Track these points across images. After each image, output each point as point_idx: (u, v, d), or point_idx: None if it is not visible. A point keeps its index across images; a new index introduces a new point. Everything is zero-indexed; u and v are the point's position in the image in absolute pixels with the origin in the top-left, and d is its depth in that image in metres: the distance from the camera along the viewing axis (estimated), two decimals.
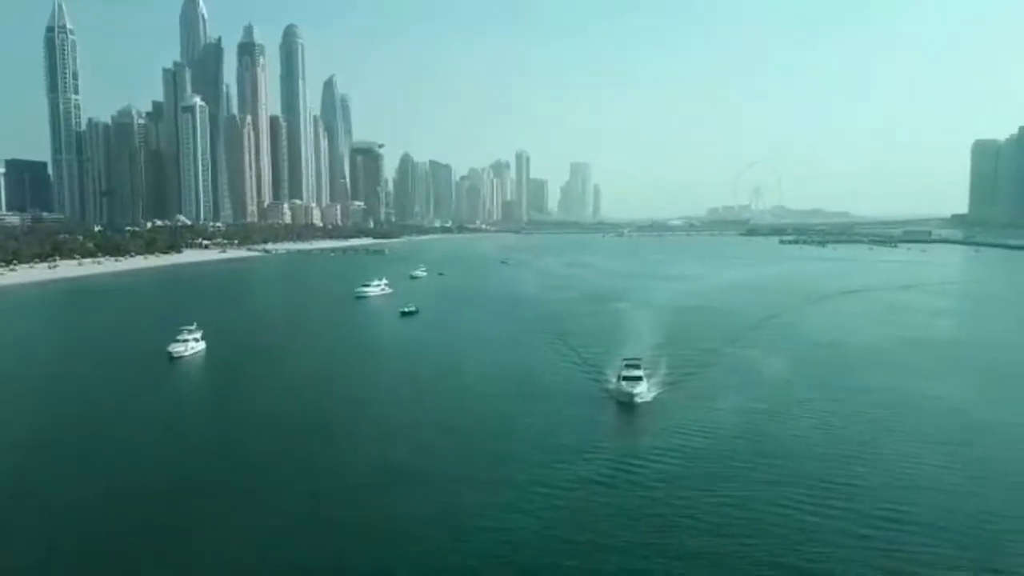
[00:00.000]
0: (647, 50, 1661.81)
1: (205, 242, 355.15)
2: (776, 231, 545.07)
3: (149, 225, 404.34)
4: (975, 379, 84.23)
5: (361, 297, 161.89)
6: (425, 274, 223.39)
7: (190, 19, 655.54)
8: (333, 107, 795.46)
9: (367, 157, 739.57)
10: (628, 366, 75.07)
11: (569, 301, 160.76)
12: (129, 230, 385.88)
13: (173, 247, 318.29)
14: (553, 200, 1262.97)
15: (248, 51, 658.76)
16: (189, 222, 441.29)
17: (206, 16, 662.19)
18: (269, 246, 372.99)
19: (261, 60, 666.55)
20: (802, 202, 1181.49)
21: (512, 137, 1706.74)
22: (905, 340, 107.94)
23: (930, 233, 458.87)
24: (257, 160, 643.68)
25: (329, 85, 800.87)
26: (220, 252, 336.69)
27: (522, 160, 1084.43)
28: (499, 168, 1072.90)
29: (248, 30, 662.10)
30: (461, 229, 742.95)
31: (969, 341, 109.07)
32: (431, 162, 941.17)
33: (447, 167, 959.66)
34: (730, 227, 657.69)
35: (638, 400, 69.05)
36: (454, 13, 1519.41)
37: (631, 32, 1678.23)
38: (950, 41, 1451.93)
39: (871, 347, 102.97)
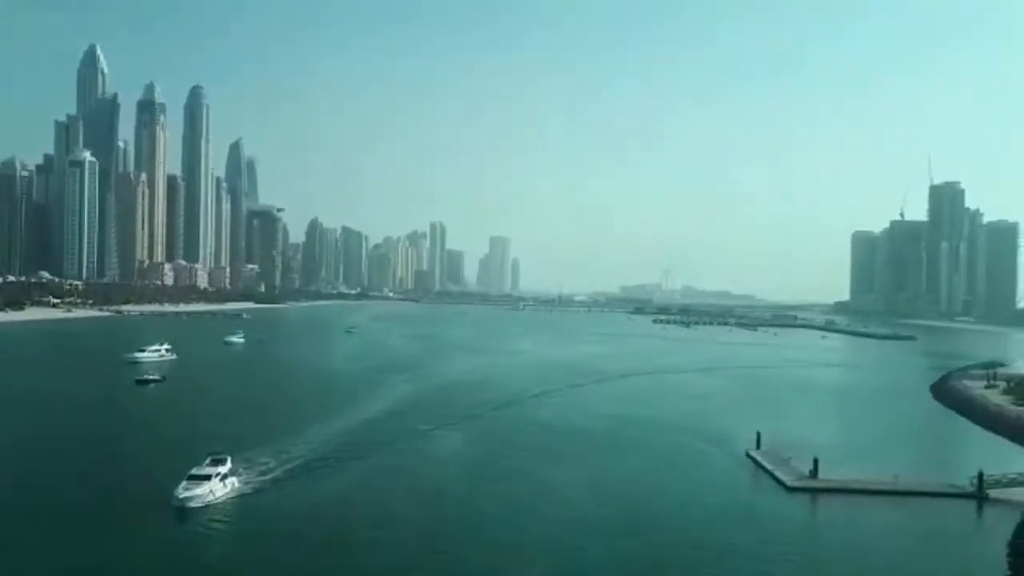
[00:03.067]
0: (565, 129, 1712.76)
1: (54, 300, 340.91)
2: (662, 311, 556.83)
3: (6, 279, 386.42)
4: (635, 461, 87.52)
5: (133, 362, 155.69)
6: (242, 340, 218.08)
7: (88, 74, 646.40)
8: (239, 169, 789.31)
9: (264, 220, 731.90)
10: (209, 463, 66.08)
11: (351, 372, 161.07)
12: None
13: (11, 304, 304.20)
14: (471, 271, 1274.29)
15: (148, 108, 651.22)
16: (53, 278, 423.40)
17: (106, 71, 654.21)
18: (127, 307, 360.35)
19: (162, 118, 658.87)
20: (713, 283, 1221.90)
21: (433, 208, 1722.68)
22: (625, 421, 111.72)
23: (795, 318, 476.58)
24: (151, 219, 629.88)
25: (235, 147, 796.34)
26: (65, 312, 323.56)
27: (436, 230, 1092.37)
28: (415, 238, 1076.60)
29: (149, 88, 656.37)
30: (361, 296, 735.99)
31: (673, 424, 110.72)
32: (343, 228, 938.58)
33: (359, 234, 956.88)
34: (634, 304, 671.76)
35: (191, 505, 60.67)
36: (377, 85, 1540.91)
37: (550, 109, 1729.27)
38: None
39: (580, 429, 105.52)
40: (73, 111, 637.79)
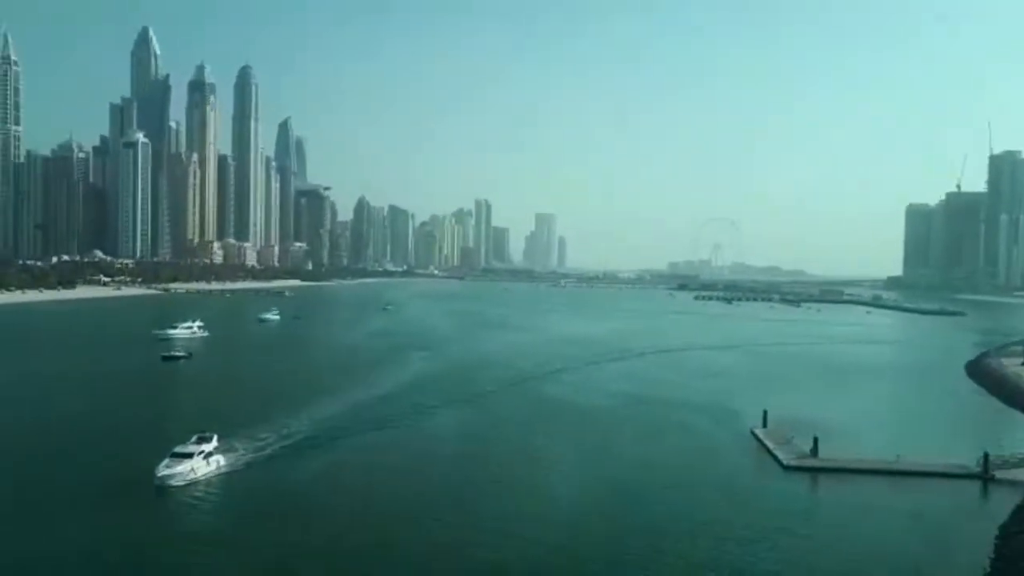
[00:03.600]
0: (619, 104, 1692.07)
1: (105, 279, 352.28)
2: (706, 287, 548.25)
3: (55, 259, 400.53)
4: (635, 438, 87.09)
5: (164, 339, 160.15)
6: (277, 317, 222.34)
7: (141, 56, 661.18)
8: (287, 149, 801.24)
9: (311, 199, 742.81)
10: (196, 441, 66.64)
11: (376, 348, 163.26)
12: (54, 263, 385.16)
13: (63, 283, 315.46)
14: (516, 249, 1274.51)
15: (199, 89, 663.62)
16: (106, 257, 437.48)
17: (158, 53, 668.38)
18: (174, 285, 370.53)
19: (212, 99, 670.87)
20: (763, 259, 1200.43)
21: (481, 187, 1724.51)
22: (635, 399, 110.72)
23: (842, 293, 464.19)
24: (202, 198, 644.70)
25: (284, 127, 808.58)
26: (115, 290, 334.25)
27: (482, 208, 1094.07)
28: (461, 216, 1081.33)
29: (200, 69, 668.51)
30: (407, 273, 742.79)
31: (683, 401, 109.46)
32: (390, 207, 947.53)
33: (405, 212, 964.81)
34: (678, 281, 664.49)
35: (171, 483, 61.10)
36: (426, 67, 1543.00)
37: (607, 86, 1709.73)
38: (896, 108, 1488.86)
39: (588, 406, 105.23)
40: (127, 93, 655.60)
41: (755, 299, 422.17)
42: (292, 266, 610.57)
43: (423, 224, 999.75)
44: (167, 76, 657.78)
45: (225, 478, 65.46)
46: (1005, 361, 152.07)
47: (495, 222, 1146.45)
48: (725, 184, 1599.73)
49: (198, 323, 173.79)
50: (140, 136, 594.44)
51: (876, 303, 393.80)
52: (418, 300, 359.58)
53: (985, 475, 72.91)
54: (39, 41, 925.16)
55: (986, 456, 73.62)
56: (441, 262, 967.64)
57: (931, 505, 66.80)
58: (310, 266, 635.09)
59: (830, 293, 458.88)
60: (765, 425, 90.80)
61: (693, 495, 67.20)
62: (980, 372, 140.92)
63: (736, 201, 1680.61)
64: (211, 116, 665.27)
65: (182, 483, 61.80)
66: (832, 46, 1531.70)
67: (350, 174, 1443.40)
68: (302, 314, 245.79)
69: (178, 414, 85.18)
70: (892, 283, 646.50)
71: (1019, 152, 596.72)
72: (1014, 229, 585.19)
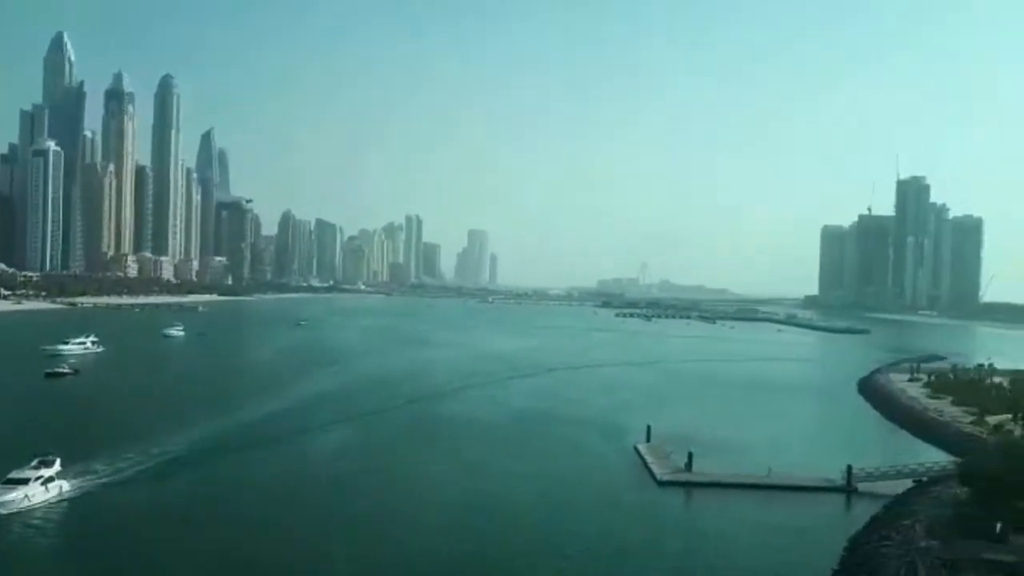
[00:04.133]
0: (546, 124, 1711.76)
1: (4, 292, 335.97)
2: (630, 304, 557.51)
3: None
4: (520, 453, 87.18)
5: (54, 355, 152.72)
6: (182, 333, 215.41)
7: (55, 61, 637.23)
8: (209, 160, 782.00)
9: (232, 212, 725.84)
10: (36, 465, 61.72)
11: (278, 365, 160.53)
12: None
13: None
14: (448, 265, 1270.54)
15: (116, 97, 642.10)
16: (7, 269, 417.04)
17: (73, 59, 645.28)
18: (82, 299, 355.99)
19: (130, 108, 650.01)
20: (689, 279, 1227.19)
21: (411, 202, 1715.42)
22: (533, 414, 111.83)
23: (757, 312, 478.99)
24: (118, 210, 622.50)
25: (207, 138, 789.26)
26: (15, 304, 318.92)
27: (412, 223, 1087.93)
28: (391, 230, 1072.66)
29: (117, 77, 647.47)
30: (332, 289, 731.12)
31: (577, 417, 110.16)
32: (317, 221, 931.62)
33: (333, 226, 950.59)
34: (610, 299, 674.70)
35: (2, 512, 56.81)
36: (356, 78, 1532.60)
37: (541, 102, 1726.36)
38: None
39: (482, 422, 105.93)
40: (39, 100, 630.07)
41: (674, 316, 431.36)
42: (211, 281, 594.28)
43: (351, 239, 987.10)
44: (82, 83, 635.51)
45: (67, 505, 61.24)
46: (893, 377, 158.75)
47: (427, 238, 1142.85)
48: (654, 204, 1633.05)
49: (92, 338, 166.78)
50: (51, 144, 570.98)
51: (789, 321, 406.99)
52: (337, 316, 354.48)
53: (848, 488, 75.39)
54: None
55: (849, 469, 76.10)
56: (370, 277, 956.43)
57: (794, 517, 68.41)
58: (230, 281, 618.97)
59: (745, 311, 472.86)
60: (649, 440, 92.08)
61: (563, 509, 67.53)
62: (869, 388, 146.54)
63: (664, 223, 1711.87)
64: (129, 125, 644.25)
65: (12, 511, 57.18)
66: (759, 71, 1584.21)
67: (277, 188, 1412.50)
68: (210, 330, 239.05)
69: (39, 435, 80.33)
70: (809, 302, 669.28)
71: (924, 178, 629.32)
72: (919, 251, 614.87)
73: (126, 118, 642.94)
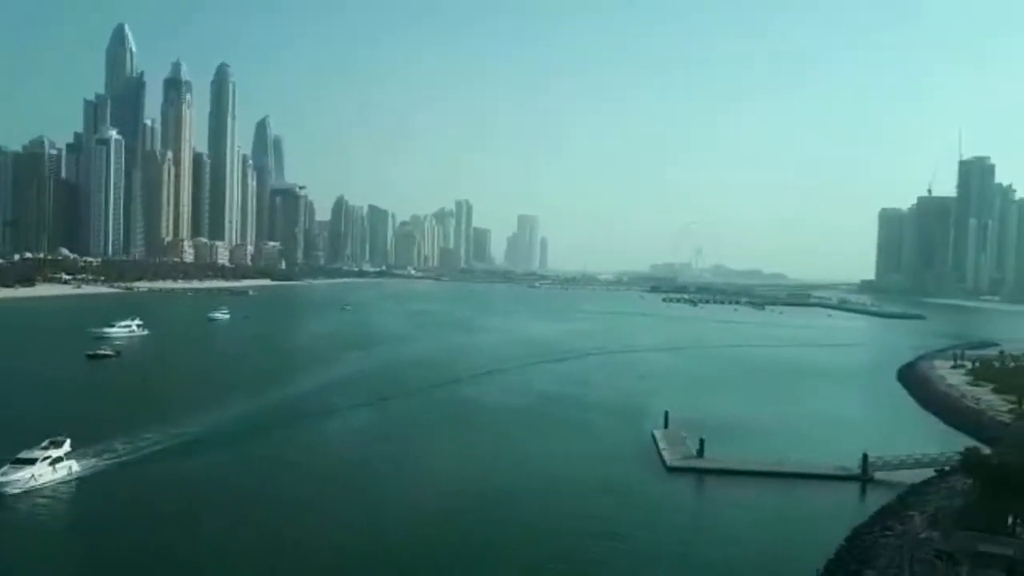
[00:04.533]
0: (595, 103, 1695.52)
1: (66, 277, 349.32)
2: (679, 289, 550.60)
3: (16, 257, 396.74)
4: (536, 438, 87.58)
5: (100, 337, 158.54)
6: (227, 316, 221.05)
7: (116, 53, 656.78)
8: (264, 147, 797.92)
9: (286, 198, 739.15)
10: (45, 445, 63.72)
11: (316, 348, 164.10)
12: (15, 260, 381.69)
13: (22, 281, 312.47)
14: (498, 250, 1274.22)
15: (174, 87, 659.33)
16: (70, 255, 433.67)
17: (134, 50, 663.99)
18: (138, 284, 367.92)
19: (188, 96, 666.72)
20: (744, 263, 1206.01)
21: (464, 188, 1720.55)
22: (556, 399, 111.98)
23: (808, 296, 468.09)
24: (176, 196, 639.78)
25: (262, 125, 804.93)
26: (75, 288, 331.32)
27: (462, 208, 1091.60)
28: (442, 216, 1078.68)
29: (176, 66, 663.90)
30: (383, 274, 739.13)
31: (601, 402, 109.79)
32: (369, 206, 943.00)
33: (384, 212, 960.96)
34: (652, 283, 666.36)
35: (7, 491, 58.56)
36: (407, 67, 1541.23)
37: (594, 88, 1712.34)
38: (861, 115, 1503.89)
39: (503, 406, 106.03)
40: (101, 90, 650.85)
41: (722, 302, 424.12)
42: (265, 265, 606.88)
43: (403, 224, 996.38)
44: (142, 73, 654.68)
45: (76, 485, 63.39)
46: (937, 363, 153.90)
47: (477, 223, 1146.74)
48: (708, 189, 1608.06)
49: (137, 321, 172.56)
50: (113, 133, 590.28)
51: (841, 306, 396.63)
52: (384, 301, 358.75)
53: (864, 476, 73.67)
54: (13, 39, 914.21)
55: (865, 457, 74.34)
56: (420, 262, 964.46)
57: (801, 505, 67.54)
58: (283, 266, 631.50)
59: (797, 296, 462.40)
60: (667, 426, 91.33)
61: (565, 492, 67.74)
62: (908, 376, 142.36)
63: (719, 205, 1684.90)
64: (187, 114, 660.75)
65: (19, 491, 59.29)
66: (810, 53, 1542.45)
67: (330, 174, 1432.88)
68: (257, 314, 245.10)
69: (67, 415, 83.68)
70: (865, 287, 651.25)
71: (988, 158, 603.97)
72: (982, 234, 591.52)
73: (184, 106, 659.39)
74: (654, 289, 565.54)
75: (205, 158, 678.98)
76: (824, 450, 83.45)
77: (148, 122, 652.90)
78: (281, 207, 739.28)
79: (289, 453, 77.19)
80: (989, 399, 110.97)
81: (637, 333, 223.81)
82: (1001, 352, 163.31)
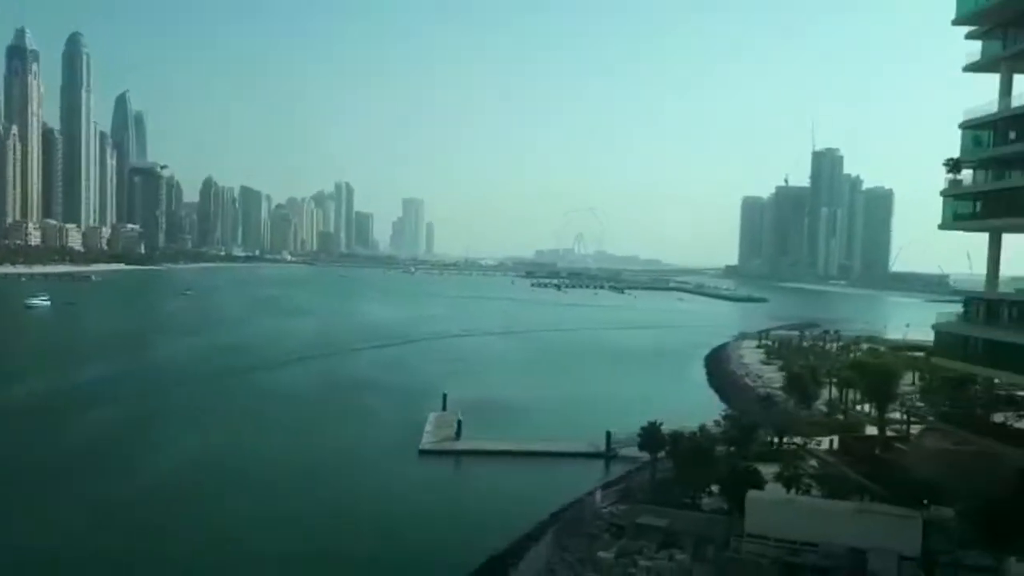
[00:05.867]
0: (481, 90, 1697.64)
1: None
2: (552, 275, 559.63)
3: None
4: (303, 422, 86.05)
5: None
6: (47, 303, 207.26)
7: None
8: (125, 124, 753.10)
9: (146, 178, 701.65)
10: None
11: (124, 333, 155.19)
12: None
13: None
14: (383, 235, 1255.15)
15: (18, 55, 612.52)
16: None
17: None
18: None
19: (34, 67, 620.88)
20: (625, 249, 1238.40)
21: (345, 170, 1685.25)
22: (352, 384, 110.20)
23: (668, 282, 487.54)
24: (24, 174, 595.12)
25: (121, 100, 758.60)
26: None
27: (341, 191, 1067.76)
28: (321, 199, 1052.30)
29: (19, 33, 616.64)
30: (253, 258, 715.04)
31: (395, 386, 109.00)
32: (242, 188, 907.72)
33: (258, 194, 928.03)
34: (536, 269, 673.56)
35: None
36: (284, 41, 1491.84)
37: (479, 72, 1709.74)
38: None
39: (290, 393, 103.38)
40: None
41: (587, 286, 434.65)
42: (123, 249, 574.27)
43: (278, 207, 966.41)
44: None
45: None
46: (746, 344, 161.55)
47: (361, 207, 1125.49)
48: (590, 175, 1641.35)
49: None
50: None
51: (695, 290, 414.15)
52: (236, 286, 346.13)
53: (608, 453, 76.03)
54: None
55: (608, 435, 76.73)
56: (298, 247, 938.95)
57: (536, 483, 68.46)
58: (143, 250, 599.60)
59: (658, 281, 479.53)
60: (444, 409, 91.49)
61: (305, 477, 66.83)
62: (713, 357, 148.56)
63: (600, 192, 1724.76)
64: (33, 85, 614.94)
65: None
66: (691, 53, 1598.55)
67: (202, 155, 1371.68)
68: (88, 300, 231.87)
69: None
70: (729, 272, 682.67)
71: (837, 150, 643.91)
72: (832, 222, 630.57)
73: (30, 77, 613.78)
74: (528, 274, 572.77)
75: (57, 134, 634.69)
76: (593, 428, 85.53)
77: None
78: (141, 187, 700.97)
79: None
80: (771, 376, 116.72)
81: (482, 318, 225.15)
82: (801, 332, 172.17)
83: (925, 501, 47.95)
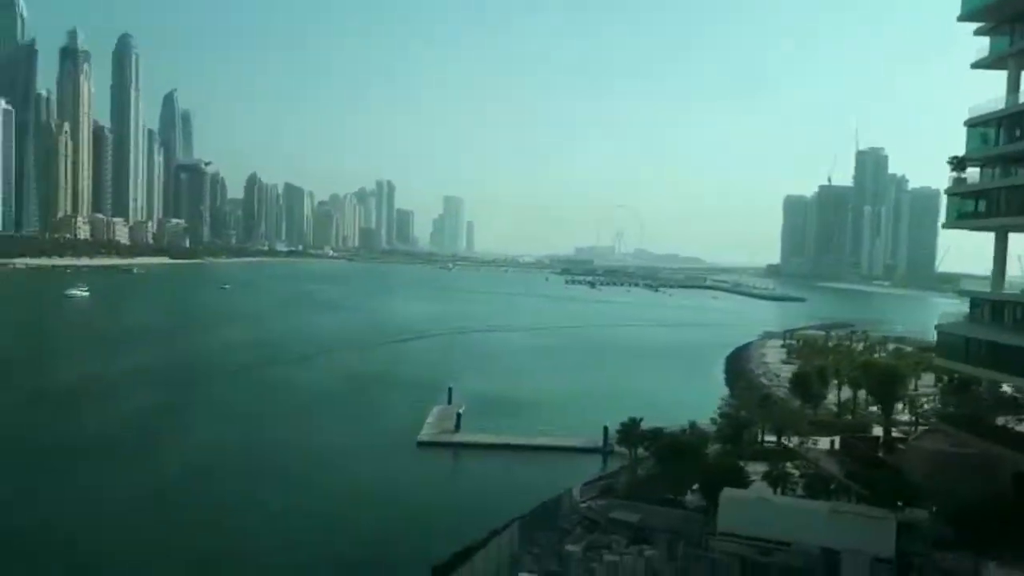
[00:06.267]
0: (531, 90, 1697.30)
1: None
2: (588, 272, 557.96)
3: None
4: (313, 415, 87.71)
5: None
6: (85, 294, 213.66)
7: (5, 18, 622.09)
8: (172, 122, 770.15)
9: (191, 174, 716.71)
10: None
11: (150, 327, 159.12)
12: None
13: None
14: (423, 231, 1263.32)
15: (71, 56, 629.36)
16: None
17: (25, 15, 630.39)
18: (17, 260, 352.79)
19: (85, 67, 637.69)
20: (665, 247, 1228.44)
21: (389, 167, 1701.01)
22: (367, 378, 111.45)
23: (705, 279, 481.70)
24: (75, 171, 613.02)
25: (169, 99, 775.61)
26: None
27: (383, 188, 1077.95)
28: (363, 196, 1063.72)
29: (72, 35, 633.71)
30: (294, 253, 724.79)
31: (406, 380, 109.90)
32: (285, 184, 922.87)
33: (301, 190, 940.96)
34: (572, 266, 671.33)
35: None
36: (325, 40, 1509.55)
37: (519, 69, 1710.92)
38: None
39: (301, 387, 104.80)
40: None
41: (622, 284, 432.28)
42: (169, 244, 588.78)
43: (321, 203, 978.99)
44: (33, 40, 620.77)
45: None
46: (771, 342, 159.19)
47: (402, 204, 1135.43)
48: (631, 174, 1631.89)
49: None
50: (2, 102, 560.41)
51: (732, 289, 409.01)
52: (275, 280, 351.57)
53: (605, 449, 75.79)
54: None
55: (605, 430, 76.37)
56: (340, 243, 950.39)
57: (536, 476, 68.18)
58: (188, 244, 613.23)
59: (694, 279, 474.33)
60: (450, 402, 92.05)
61: (301, 467, 68.03)
62: (735, 356, 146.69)
63: (645, 192, 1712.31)
64: (85, 85, 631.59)
65: None
66: (723, 52, 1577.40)
67: (248, 153, 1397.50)
68: (124, 292, 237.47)
69: None
70: (771, 271, 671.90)
71: (882, 149, 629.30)
72: (876, 221, 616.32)
73: (82, 77, 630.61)
74: (564, 271, 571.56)
75: (107, 132, 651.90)
76: (597, 424, 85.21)
77: (43, 92, 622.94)
78: (187, 184, 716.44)
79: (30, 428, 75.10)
80: (788, 376, 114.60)
81: (509, 314, 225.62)
82: (827, 332, 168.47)
83: (900, 503, 46.88)
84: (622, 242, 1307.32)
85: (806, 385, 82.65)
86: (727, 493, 47.60)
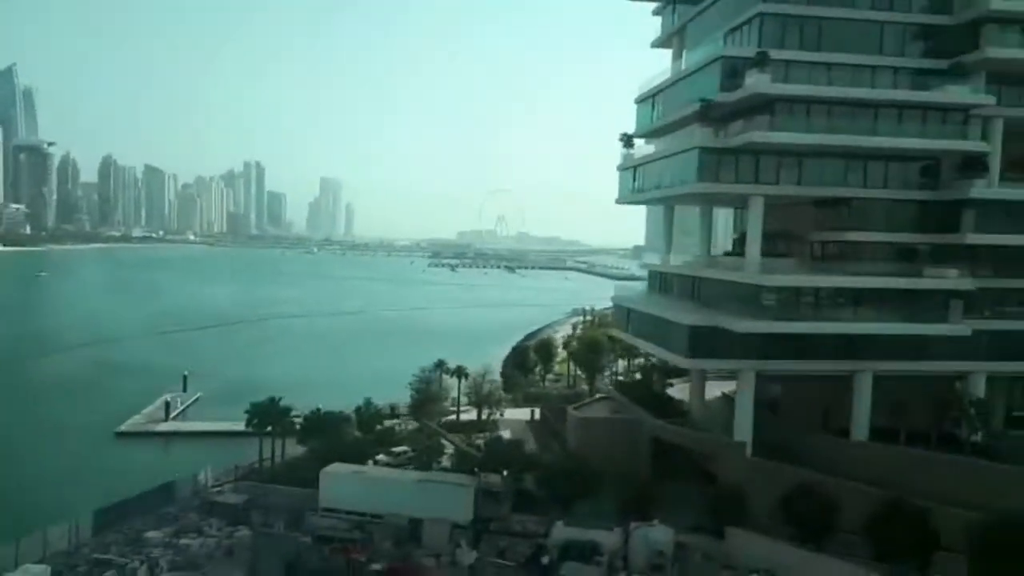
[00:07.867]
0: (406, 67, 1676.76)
1: None
2: (457, 256, 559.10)
3: None
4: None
5: None
6: None
7: None
8: (12, 99, 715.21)
9: (31, 155, 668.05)
10: None
11: None
12: None
13: None
14: (298, 215, 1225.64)
15: None
16: None
17: None
18: None
19: None
20: (546, 231, 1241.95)
21: (258, 149, 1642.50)
22: (136, 368, 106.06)
23: (565, 261, 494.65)
24: None
25: (7, 75, 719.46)
26: None
27: (251, 170, 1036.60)
28: (231, 178, 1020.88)
29: None
30: (149, 239, 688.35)
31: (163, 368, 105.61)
32: (145, 166, 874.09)
33: (162, 173, 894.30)
34: (442, 250, 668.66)
35: None
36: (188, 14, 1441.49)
37: (392, 55, 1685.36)
38: None
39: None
40: None
41: (483, 266, 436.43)
42: (6, 230, 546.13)
43: (185, 186, 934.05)
44: None
45: None
46: (573, 320, 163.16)
47: (276, 187, 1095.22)
48: (516, 159, 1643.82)
49: None
50: None
51: (586, 269, 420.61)
52: (110, 268, 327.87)
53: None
54: None
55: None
56: (206, 228, 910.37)
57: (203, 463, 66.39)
58: (28, 230, 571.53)
59: (556, 261, 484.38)
60: (185, 390, 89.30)
61: None
62: (532, 336, 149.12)
63: (526, 175, 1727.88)
64: None
65: None
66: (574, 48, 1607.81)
67: (104, 132, 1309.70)
68: None
69: None
70: (637, 251, 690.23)
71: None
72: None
73: None
74: (433, 256, 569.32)
75: None
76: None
77: None
78: (27, 165, 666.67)
79: None
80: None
81: (336, 298, 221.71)
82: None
83: (476, 470, 48.36)
84: (504, 226, 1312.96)
85: (523, 360, 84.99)
86: (328, 469, 47.77)
